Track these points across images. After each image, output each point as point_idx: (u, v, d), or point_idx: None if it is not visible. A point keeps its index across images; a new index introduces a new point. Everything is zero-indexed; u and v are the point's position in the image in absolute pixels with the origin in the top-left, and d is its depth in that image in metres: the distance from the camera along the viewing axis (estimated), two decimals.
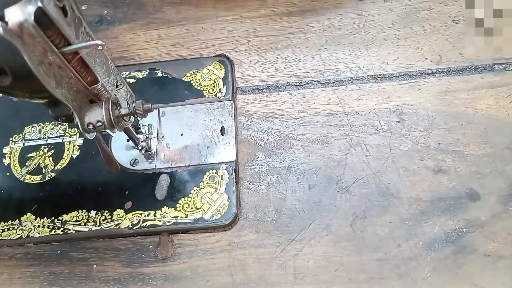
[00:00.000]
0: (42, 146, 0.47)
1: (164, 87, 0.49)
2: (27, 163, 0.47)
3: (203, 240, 0.42)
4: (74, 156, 0.46)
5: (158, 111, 0.48)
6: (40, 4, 0.25)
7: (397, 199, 0.42)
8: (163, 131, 0.47)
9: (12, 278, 0.42)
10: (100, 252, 0.42)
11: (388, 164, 0.44)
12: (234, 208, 0.42)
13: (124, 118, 0.36)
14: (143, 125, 0.45)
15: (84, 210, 0.43)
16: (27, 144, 0.48)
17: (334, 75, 0.49)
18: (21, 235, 0.43)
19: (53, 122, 0.49)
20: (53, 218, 0.43)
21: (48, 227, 0.43)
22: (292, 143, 0.46)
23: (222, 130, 0.46)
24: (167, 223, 0.42)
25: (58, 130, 0.48)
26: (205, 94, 0.49)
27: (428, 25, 0.50)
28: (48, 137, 0.48)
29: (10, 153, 0.47)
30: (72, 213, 0.43)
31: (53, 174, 0.46)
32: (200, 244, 0.42)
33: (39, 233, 0.43)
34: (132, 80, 0.50)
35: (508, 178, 0.42)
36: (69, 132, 0.48)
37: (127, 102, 0.39)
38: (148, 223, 0.42)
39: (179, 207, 0.43)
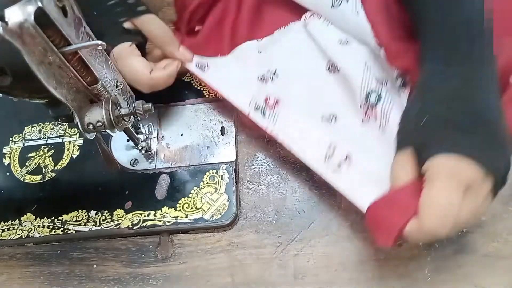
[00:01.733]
0: (42, 146, 0.47)
1: None
2: (27, 163, 0.47)
3: (203, 240, 0.42)
4: (74, 156, 0.46)
5: (158, 111, 0.48)
6: (40, 4, 0.25)
7: None
8: (163, 131, 0.47)
9: (12, 278, 0.42)
10: (100, 252, 0.42)
11: None
12: (234, 208, 0.42)
13: (124, 118, 0.36)
14: (143, 125, 0.45)
15: (84, 210, 0.43)
16: (27, 144, 0.48)
17: None
18: (21, 235, 0.43)
19: (53, 122, 0.49)
20: (53, 218, 0.43)
21: (48, 227, 0.43)
22: None
23: (222, 130, 0.46)
24: (167, 223, 0.42)
25: (58, 130, 0.48)
26: (205, 94, 0.49)
27: None
28: (48, 137, 0.48)
29: (10, 153, 0.47)
30: (72, 213, 0.43)
31: (53, 174, 0.46)
32: (200, 244, 0.42)
33: (39, 233, 0.43)
34: None
35: (508, 178, 0.42)
36: (69, 132, 0.48)
37: (127, 102, 0.39)
38: (148, 223, 0.42)
39: (179, 207, 0.43)
